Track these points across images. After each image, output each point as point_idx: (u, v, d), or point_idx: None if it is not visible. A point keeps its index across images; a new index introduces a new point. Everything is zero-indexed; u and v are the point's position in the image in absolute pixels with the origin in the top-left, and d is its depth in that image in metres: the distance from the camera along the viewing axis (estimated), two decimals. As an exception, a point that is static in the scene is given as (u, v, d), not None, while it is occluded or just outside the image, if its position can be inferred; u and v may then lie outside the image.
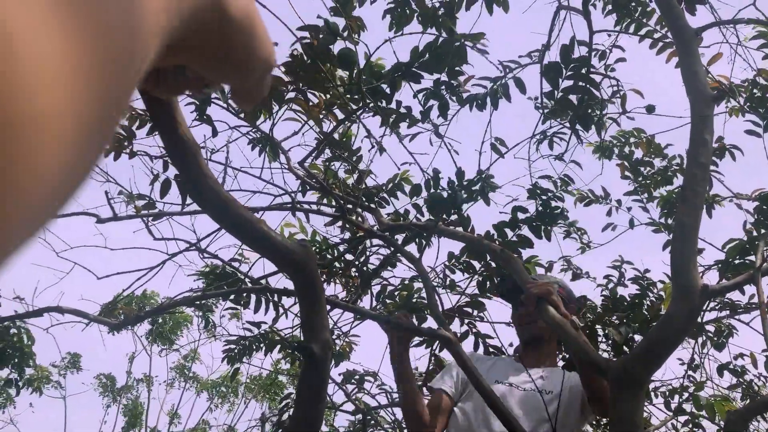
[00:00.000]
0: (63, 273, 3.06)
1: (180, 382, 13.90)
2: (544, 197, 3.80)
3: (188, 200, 3.20)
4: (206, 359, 21.00)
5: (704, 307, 2.96)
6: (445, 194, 2.95)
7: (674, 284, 2.21)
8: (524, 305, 2.63)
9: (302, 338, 1.83)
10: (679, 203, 2.34)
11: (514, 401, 2.47)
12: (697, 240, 2.25)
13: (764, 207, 3.02)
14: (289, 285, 3.56)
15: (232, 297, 3.52)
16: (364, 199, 3.40)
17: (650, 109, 3.46)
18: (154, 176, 3.03)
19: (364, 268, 3.67)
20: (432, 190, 3.19)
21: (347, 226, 3.88)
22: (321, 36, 3.05)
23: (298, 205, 3.24)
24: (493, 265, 3.43)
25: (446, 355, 3.46)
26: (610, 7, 3.65)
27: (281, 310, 3.63)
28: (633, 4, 3.53)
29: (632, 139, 3.83)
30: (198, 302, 3.72)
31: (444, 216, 3.48)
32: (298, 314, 3.43)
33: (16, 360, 4.36)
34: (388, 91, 3.64)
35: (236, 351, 3.73)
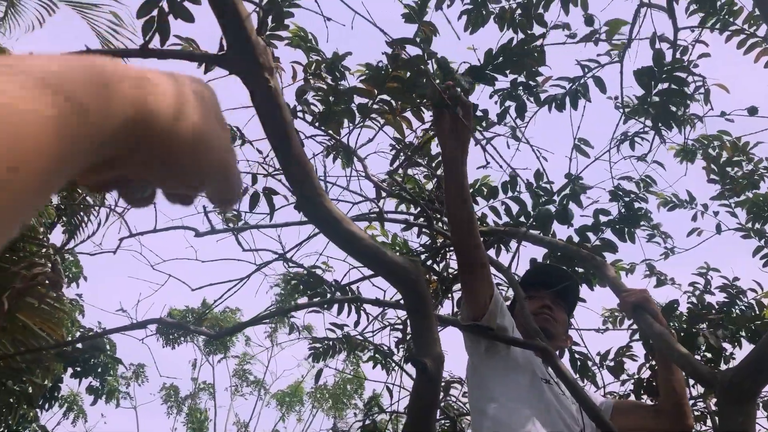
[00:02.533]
0: (158, 285, 3.15)
1: (241, 388, 14.14)
2: (626, 199, 3.73)
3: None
4: (271, 367, 21.35)
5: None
6: (553, 208, 2.90)
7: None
8: (542, 297, 2.46)
9: (415, 352, 1.84)
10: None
11: (559, 405, 2.24)
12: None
13: None
14: (378, 294, 3.59)
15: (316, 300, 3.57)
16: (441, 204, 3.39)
17: (753, 111, 3.34)
18: (243, 189, 3.10)
19: (444, 274, 3.67)
20: (540, 207, 3.14)
21: (426, 231, 3.89)
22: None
23: (385, 215, 3.26)
24: (580, 270, 3.38)
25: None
26: (694, 6, 3.55)
27: (363, 314, 3.67)
28: (720, 1, 3.43)
29: (716, 142, 3.72)
30: (292, 313, 3.79)
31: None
32: (407, 328, 3.47)
33: (100, 370, 4.50)
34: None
35: (321, 349, 3.80)
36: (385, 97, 3.40)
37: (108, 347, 4.40)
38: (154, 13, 1.60)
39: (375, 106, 3.30)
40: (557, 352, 2.53)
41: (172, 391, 14.35)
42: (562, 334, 2.51)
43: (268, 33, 3.10)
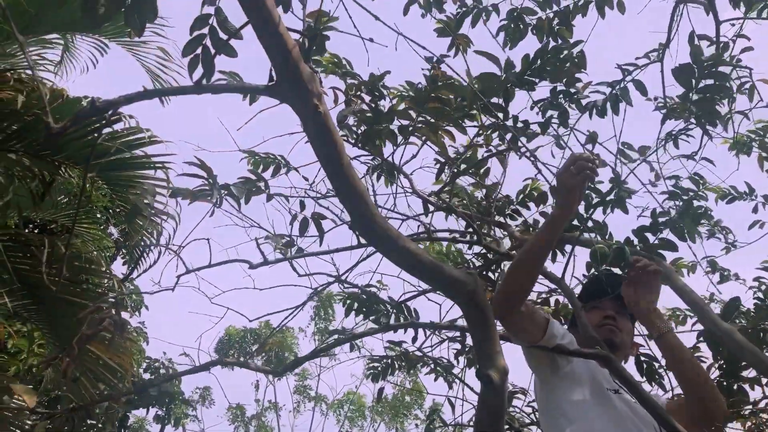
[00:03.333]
0: (218, 317, 3.22)
1: (304, 405, 14.24)
2: (685, 197, 3.66)
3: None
4: (329, 381, 21.47)
5: None
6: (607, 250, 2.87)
7: None
8: (604, 308, 2.40)
9: (478, 366, 1.84)
10: None
11: (633, 413, 2.18)
12: None
13: None
14: (433, 309, 3.61)
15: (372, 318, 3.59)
16: (495, 214, 3.40)
17: None
18: (293, 216, 3.16)
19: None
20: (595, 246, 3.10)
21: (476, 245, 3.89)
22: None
23: (433, 233, 3.28)
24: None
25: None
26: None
27: (420, 330, 3.68)
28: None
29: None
30: (357, 340, 3.83)
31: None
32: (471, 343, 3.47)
33: (167, 400, 4.59)
34: (502, 103, 3.65)
35: (380, 369, 3.82)
36: (425, 116, 3.44)
37: (175, 385, 4.47)
38: (199, 51, 1.65)
39: (417, 126, 3.34)
40: (624, 362, 2.49)
41: (238, 411, 14.61)
42: (628, 343, 2.45)
43: (312, 59, 3.18)
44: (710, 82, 2.93)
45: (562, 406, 2.21)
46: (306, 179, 3.31)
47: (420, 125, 3.50)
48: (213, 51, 1.63)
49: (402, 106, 3.39)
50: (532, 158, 3.40)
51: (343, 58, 3.58)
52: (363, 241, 3.14)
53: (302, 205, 3.25)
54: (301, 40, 1.83)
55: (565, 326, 2.57)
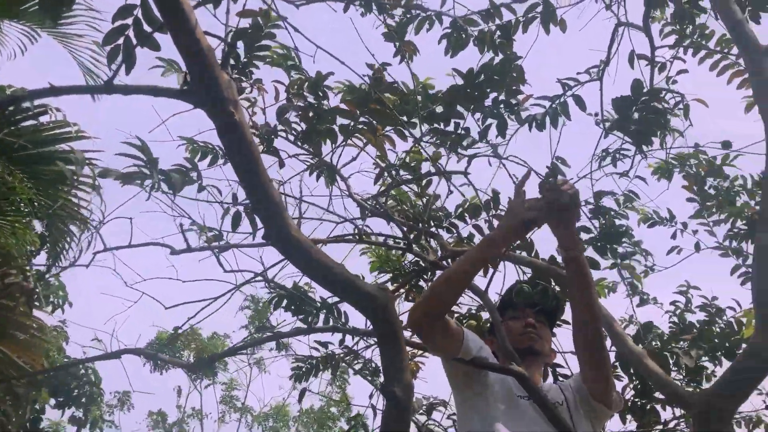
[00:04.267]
0: (131, 302, 3.13)
1: (230, 414, 13.98)
2: (607, 216, 3.75)
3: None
4: (258, 392, 21.03)
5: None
6: None
7: (757, 314, 2.16)
8: (524, 316, 2.44)
9: (383, 380, 1.84)
10: (759, 228, 2.29)
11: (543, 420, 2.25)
12: (779, 266, 2.19)
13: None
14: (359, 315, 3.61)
15: (301, 317, 3.56)
16: (431, 224, 3.41)
17: (726, 144, 3.39)
18: (225, 210, 3.10)
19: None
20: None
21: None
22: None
23: (364, 236, 3.26)
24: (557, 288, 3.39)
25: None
26: (669, 28, 3.60)
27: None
28: (691, 27, 3.48)
29: (693, 160, 3.76)
30: (282, 340, 3.78)
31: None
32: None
33: (84, 400, 4.46)
34: (444, 114, 3.68)
35: (304, 369, 3.79)
36: (366, 118, 3.43)
37: (93, 378, 4.34)
38: (120, 41, 1.60)
39: (357, 127, 3.32)
40: (544, 368, 2.53)
41: (159, 417, 14.06)
42: (547, 350, 2.49)
43: (246, 59, 3.13)
44: (645, 114, 3.00)
45: (477, 415, 2.23)
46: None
47: (361, 126, 3.49)
48: (135, 42, 1.58)
49: (343, 106, 3.38)
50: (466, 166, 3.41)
51: (292, 50, 3.54)
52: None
53: (235, 199, 3.20)
54: (224, 48, 1.80)
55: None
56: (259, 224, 3.27)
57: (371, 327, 3.50)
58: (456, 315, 3.55)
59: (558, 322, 2.80)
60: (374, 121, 3.45)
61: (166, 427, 14.06)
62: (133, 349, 2.71)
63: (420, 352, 3.62)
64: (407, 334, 2.84)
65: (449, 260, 3.41)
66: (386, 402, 1.78)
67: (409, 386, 1.79)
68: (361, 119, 3.43)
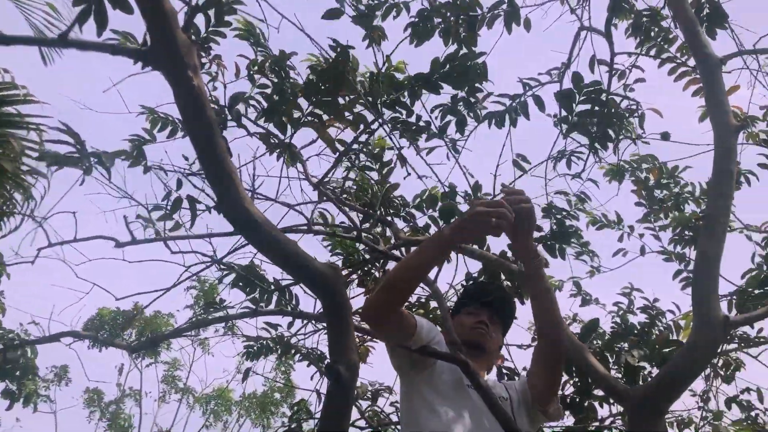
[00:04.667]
0: (83, 293, 3.04)
1: (170, 395, 13.70)
2: (559, 216, 3.82)
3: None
4: (201, 373, 20.68)
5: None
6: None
7: (696, 314, 2.23)
8: (480, 313, 2.46)
9: (329, 358, 1.84)
10: (702, 234, 2.36)
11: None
12: (719, 271, 2.27)
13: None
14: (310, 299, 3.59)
15: (251, 296, 3.52)
16: (388, 212, 3.41)
17: (665, 136, 3.47)
18: (166, 194, 3.05)
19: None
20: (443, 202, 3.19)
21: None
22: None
23: (314, 226, 3.24)
24: (508, 284, 3.44)
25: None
26: (631, 30, 3.68)
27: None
28: (655, 29, 3.56)
29: (644, 165, 3.84)
30: (228, 322, 3.73)
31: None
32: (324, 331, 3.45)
33: (18, 373, 4.33)
34: (407, 101, 3.68)
35: (255, 348, 3.77)
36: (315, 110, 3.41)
37: (29, 353, 4.21)
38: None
39: (308, 119, 3.30)
40: (488, 370, 2.54)
41: (95, 395, 13.64)
42: (495, 351, 2.49)
43: (211, 30, 3.08)
44: (588, 107, 3.05)
45: (422, 402, 2.24)
46: (186, 158, 3.20)
47: (311, 118, 3.46)
48: (108, 3, 1.54)
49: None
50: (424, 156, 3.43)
51: (257, 27, 3.49)
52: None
53: (179, 184, 3.14)
54: (187, 11, 1.76)
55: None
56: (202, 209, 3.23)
57: (320, 310, 3.50)
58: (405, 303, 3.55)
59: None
60: (323, 114, 3.43)
61: (102, 406, 13.64)
62: (71, 332, 2.64)
63: (369, 337, 3.63)
64: (356, 319, 2.84)
65: (402, 250, 3.41)
66: (330, 381, 1.78)
67: (354, 366, 1.79)
68: (313, 111, 3.40)
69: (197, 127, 1.62)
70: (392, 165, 3.87)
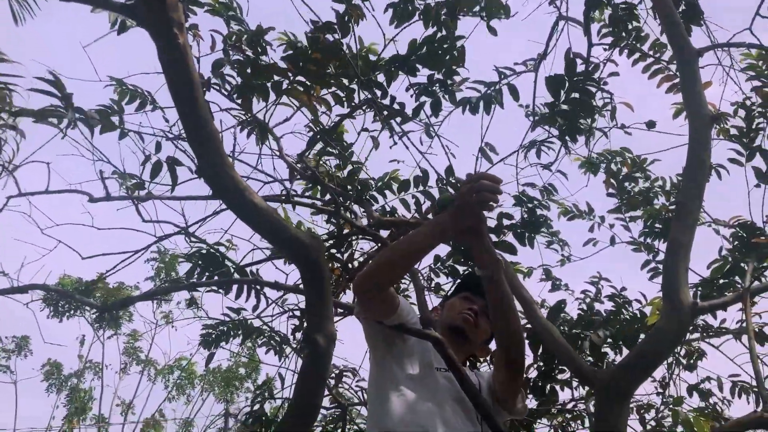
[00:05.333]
0: (47, 250, 2.95)
1: (131, 366, 13.48)
2: (530, 205, 3.85)
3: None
4: (163, 346, 20.46)
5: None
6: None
7: (665, 299, 2.27)
8: (473, 302, 2.45)
9: (306, 327, 1.83)
10: (674, 221, 2.40)
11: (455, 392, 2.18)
12: (689, 258, 2.31)
13: (743, 234, 3.11)
14: (280, 278, 3.55)
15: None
16: (359, 190, 3.40)
17: (651, 124, 3.53)
18: (145, 157, 2.98)
19: (349, 265, 3.66)
20: (441, 195, 3.18)
21: (333, 220, 3.88)
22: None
23: (293, 198, 3.21)
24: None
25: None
26: (608, 23, 3.72)
27: (262, 299, 3.60)
28: (631, 24, 3.61)
29: (618, 158, 3.90)
30: (189, 290, 3.66)
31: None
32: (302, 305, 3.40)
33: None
34: (384, 82, 3.67)
35: (214, 336, 3.70)
36: (301, 78, 3.38)
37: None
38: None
39: (292, 87, 3.26)
40: (466, 359, 2.54)
41: (54, 368, 13.37)
42: (479, 341, 2.48)
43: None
44: (577, 96, 3.07)
45: (390, 380, 2.23)
46: (167, 121, 3.13)
47: (296, 85, 3.42)
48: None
49: (282, 64, 3.31)
50: (400, 137, 3.41)
51: (234, 1, 3.44)
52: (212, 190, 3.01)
53: (158, 147, 3.06)
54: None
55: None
56: (185, 175, 3.17)
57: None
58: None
59: None
60: (309, 82, 3.40)
61: (61, 378, 13.34)
62: (41, 285, 2.57)
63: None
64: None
65: (378, 228, 3.41)
66: (306, 350, 1.76)
67: (332, 336, 1.78)
68: (298, 78, 3.37)
69: (181, 86, 1.58)
70: (352, 150, 3.84)
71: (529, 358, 3.38)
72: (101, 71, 3.16)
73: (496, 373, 2.25)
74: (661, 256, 3.58)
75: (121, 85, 3.19)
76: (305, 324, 2.07)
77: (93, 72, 3.20)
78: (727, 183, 3.55)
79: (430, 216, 3.64)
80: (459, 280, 2.73)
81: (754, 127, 3.38)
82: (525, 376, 3.44)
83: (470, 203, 1.83)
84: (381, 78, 3.63)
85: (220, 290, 3.50)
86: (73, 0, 1.47)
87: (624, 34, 3.71)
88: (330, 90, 3.45)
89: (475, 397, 2.13)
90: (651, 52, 3.60)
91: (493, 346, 2.46)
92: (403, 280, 3.61)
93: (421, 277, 3.41)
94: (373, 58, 3.53)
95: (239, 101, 3.46)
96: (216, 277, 3.42)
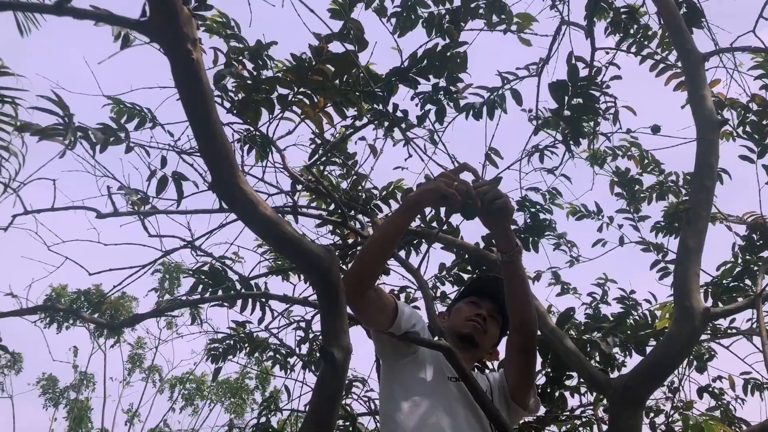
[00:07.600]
0: (54, 267, 2.94)
1: (133, 374, 13.36)
2: (533, 210, 3.86)
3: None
4: (167, 353, 20.42)
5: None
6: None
7: (677, 305, 2.26)
8: (481, 306, 2.39)
9: (322, 341, 1.81)
10: (684, 226, 2.40)
11: (467, 402, 2.20)
12: (700, 262, 2.31)
13: (755, 233, 3.10)
14: (287, 289, 3.53)
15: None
16: (363, 202, 3.39)
17: (656, 129, 3.52)
18: (151, 172, 2.97)
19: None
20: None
21: (338, 231, 3.88)
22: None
23: (299, 209, 3.21)
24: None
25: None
26: (611, 28, 3.72)
27: (267, 311, 3.59)
28: (635, 26, 3.61)
29: (626, 152, 3.90)
30: (197, 305, 3.65)
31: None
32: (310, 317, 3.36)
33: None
34: (383, 94, 3.66)
35: (221, 350, 3.69)
36: (306, 90, 3.37)
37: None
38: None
39: (296, 98, 3.26)
40: (478, 363, 2.52)
41: (50, 382, 13.15)
42: (488, 346, 2.47)
43: (192, 9, 3.02)
44: (580, 101, 3.07)
45: (400, 390, 2.23)
46: (171, 135, 3.12)
47: (300, 97, 3.42)
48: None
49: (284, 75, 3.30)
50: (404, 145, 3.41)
51: (232, 19, 3.43)
52: (225, 205, 2.99)
53: (163, 162, 3.05)
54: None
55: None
56: (189, 189, 3.15)
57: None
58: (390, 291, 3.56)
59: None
60: (314, 95, 3.40)
61: (56, 392, 13.12)
62: (50, 306, 2.55)
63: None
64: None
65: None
66: (323, 364, 1.75)
67: (348, 349, 1.76)
68: (301, 90, 3.37)
69: (194, 101, 1.57)
70: (356, 159, 3.84)
71: (537, 365, 3.37)
72: (106, 82, 3.15)
73: (509, 362, 2.26)
74: (670, 256, 3.58)
75: (119, 104, 3.17)
76: (320, 337, 2.06)
77: (97, 84, 3.20)
78: (737, 181, 3.55)
79: (434, 225, 3.65)
80: (466, 285, 2.73)
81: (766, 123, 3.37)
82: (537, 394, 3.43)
83: (433, 188, 1.95)
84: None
85: (225, 304, 3.48)
86: (86, 18, 1.47)
87: (631, 31, 3.72)
88: (332, 101, 3.44)
89: (490, 411, 2.12)
90: (659, 50, 3.60)
91: (500, 347, 2.47)
92: (412, 292, 3.60)
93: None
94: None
95: (241, 116, 3.45)
96: (220, 292, 3.42)
